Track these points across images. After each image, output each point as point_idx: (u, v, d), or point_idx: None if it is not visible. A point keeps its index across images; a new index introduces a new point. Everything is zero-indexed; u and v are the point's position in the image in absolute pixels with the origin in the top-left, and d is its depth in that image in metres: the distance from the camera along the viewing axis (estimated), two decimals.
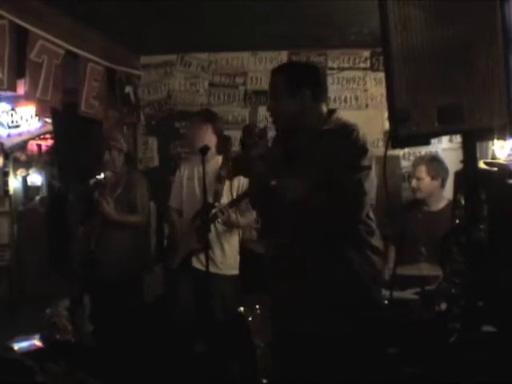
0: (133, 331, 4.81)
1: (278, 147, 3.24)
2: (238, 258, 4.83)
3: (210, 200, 4.54)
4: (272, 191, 3.02)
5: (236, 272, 4.79)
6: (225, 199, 4.63)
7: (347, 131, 2.97)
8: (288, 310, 3.07)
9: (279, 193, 2.96)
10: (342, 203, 2.87)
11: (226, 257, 4.73)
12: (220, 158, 4.78)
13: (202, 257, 4.48)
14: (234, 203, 4.49)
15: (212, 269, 4.42)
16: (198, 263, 4.66)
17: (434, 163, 5.00)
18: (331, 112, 3.12)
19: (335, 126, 3.04)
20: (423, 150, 5.84)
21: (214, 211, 4.54)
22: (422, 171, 4.94)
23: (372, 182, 2.95)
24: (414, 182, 5.01)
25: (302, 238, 2.97)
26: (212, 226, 4.57)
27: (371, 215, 3.08)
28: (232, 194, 4.52)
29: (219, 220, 4.58)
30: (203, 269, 4.40)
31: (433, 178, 4.91)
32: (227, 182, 4.64)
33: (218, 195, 4.65)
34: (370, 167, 2.93)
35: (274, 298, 3.30)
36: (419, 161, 5.18)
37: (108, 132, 5.52)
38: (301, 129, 3.07)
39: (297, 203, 2.92)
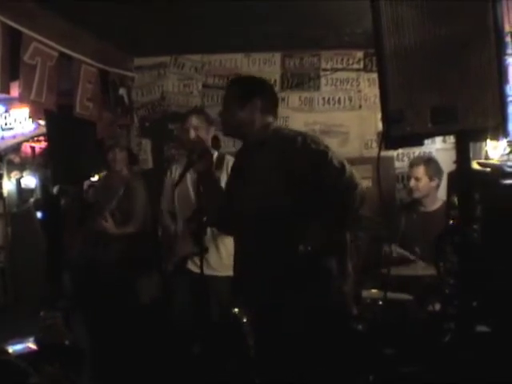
0: (128, 333, 4.81)
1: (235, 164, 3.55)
2: (232, 258, 4.79)
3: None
4: None
5: (230, 273, 4.76)
6: None
7: (287, 139, 3.11)
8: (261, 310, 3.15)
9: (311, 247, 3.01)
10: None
11: (222, 258, 4.70)
12: (214, 159, 4.74)
13: (198, 260, 4.46)
14: None
15: (207, 271, 4.40)
16: (193, 266, 4.62)
17: (432, 164, 5.02)
18: (269, 124, 3.25)
19: (271, 136, 3.18)
20: (417, 151, 5.86)
21: None
22: (420, 171, 4.95)
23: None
24: (412, 182, 5.01)
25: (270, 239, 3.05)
26: (208, 229, 4.56)
27: None
28: None
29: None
30: (199, 271, 4.39)
31: (430, 179, 4.94)
32: (221, 183, 4.63)
33: None
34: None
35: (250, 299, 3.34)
36: (417, 161, 5.19)
37: (106, 131, 5.52)
38: (243, 137, 3.31)
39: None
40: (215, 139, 4.92)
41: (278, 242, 3.00)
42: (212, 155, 3.30)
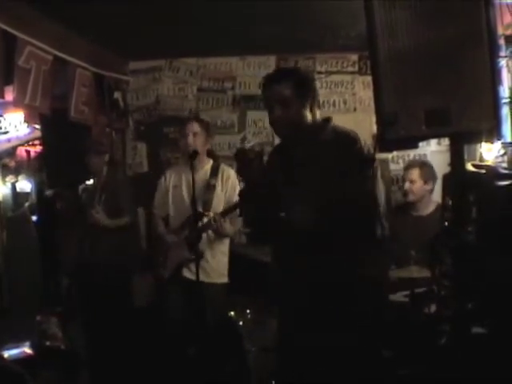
0: (125, 336, 4.80)
1: (276, 159, 3.20)
2: (227, 265, 4.78)
3: (200, 209, 4.50)
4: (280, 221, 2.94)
5: (226, 280, 4.74)
6: (215, 208, 4.60)
7: (348, 142, 2.91)
8: (297, 320, 3.00)
9: (288, 222, 2.87)
10: (352, 219, 2.80)
11: (217, 265, 4.67)
12: (209, 167, 4.73)
13: (193, 266, 4.43)
14: (226, 213, 4.45)
15: (203, 277, 4.38)
16: (188, 273, 4.54)
17: (427, 168, 5.03)
18: (327, 120, 3.05)
19: (334, 137, 2.96)
20: (412, 153, 5.87)
21: (205, 221, 4.50)
22: (416, 174, 4.95)
23: (379, 187, 2.92)
24: (406, 185, 5.01)
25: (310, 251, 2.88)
26: (204, 235, 4.55)
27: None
28: (223, 202, 4.60)
29: (213, 229, 4.53)
30: (194, 278, 4.37)
31: (425, 182, 4.94)
32: (216, 191, 4.63)
33: (207, 204, 4.59)
34: (374, 175, 2.89)
35: (284, 309, 3.20)
36: (412, 164, 5.22)
37: (101, 135, 5.53)
38: (301, 139, 2.99)
39: (308, 229, 2.81)
40: (209, 151, 4.87)
41: (329, 249, 2.82)
42: (262, 159, 3.03)
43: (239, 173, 3.11)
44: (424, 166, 5.05)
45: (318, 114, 3.05)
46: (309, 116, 2.98)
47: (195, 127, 4.67)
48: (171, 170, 4.96)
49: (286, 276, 3.06)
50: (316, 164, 2.90)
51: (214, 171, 4.68)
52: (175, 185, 4.80)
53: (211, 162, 4.75)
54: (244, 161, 3.03)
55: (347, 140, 2.92)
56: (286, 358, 3.13)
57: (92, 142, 5.35)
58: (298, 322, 2.99)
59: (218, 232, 4.56)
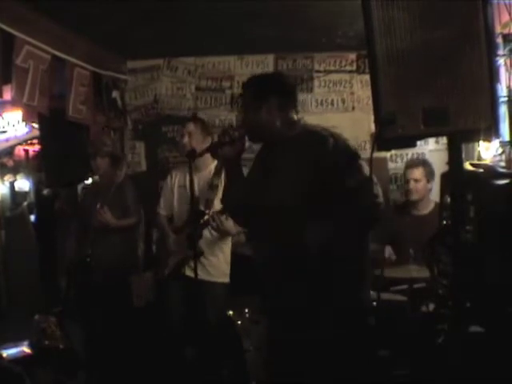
0: (122, 336, 4.80)
1: (257, 158, 3.32)
2: (229, 265, 4.79)
3: (202, 208, 4.52)
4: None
5: (227, 280, 4.76)
6: (217, 207, 4.61)
7: (318, 139, 2.98)
8: (283, 317, 3.05)
9: (308, 244, 2.86)
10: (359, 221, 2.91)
11: (219, 264, 4.69)
12: (213, 167, 4.75)
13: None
14: (224, 211, 4.48)
15: (204, 276, 4.39)
16: (190, 271, 4.56)
17: (428, 166, 5.01)
18: (294, 121, 3.14)
19: (301, 133, 3.07)
20: (410, 152, 5.87)
21: (205, 218, 4.52)
22: (419, 173, 4.92)
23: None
24: (411, 184, 4.95)
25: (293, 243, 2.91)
26: (206, 234, 4.56)
27: None
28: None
29: (212, 226, 4.54)
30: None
31: (428, 181, 4.92)
32: (219, 190, 4.64)
33: (209, 203, 4.61)
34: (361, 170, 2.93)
35: (269, 305, 3.28)
36: (415, 162, 5.20)
37: (99, 134, 5.53)
38: (268, 138, 3.12)
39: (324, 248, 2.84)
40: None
41: (294, 239, 2.89)
42: (245, 143, 3.16)
43: (218, 141, 3.22)
44: (426, 165, 5.02)
45: (295, 116, 3.14)
46: (279, 116, 3.07)
47: (190, 127, 4.75)
48: (176, 171, 5.01)
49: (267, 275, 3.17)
50: (281, 159, 3.04)
51: (218, 171, 4.69)
52: (180, 185, 4.85)
53: (215, 162, 4.76)
54: (226, 132, 3.17)
55: (317, 140, 2.99)
56: (273, 358, 3.20)
57: (96, 143, 5.34)
58: (281, 321, 3.06)
59: (218, 229, 4.57)
